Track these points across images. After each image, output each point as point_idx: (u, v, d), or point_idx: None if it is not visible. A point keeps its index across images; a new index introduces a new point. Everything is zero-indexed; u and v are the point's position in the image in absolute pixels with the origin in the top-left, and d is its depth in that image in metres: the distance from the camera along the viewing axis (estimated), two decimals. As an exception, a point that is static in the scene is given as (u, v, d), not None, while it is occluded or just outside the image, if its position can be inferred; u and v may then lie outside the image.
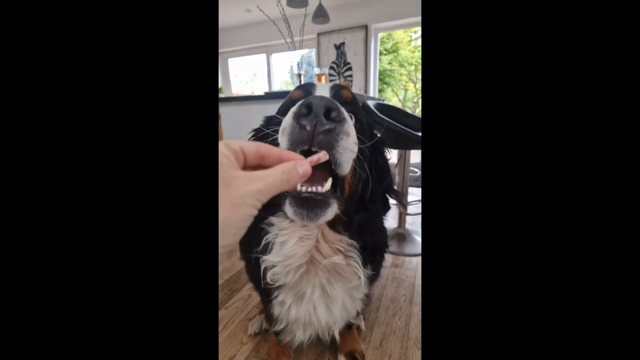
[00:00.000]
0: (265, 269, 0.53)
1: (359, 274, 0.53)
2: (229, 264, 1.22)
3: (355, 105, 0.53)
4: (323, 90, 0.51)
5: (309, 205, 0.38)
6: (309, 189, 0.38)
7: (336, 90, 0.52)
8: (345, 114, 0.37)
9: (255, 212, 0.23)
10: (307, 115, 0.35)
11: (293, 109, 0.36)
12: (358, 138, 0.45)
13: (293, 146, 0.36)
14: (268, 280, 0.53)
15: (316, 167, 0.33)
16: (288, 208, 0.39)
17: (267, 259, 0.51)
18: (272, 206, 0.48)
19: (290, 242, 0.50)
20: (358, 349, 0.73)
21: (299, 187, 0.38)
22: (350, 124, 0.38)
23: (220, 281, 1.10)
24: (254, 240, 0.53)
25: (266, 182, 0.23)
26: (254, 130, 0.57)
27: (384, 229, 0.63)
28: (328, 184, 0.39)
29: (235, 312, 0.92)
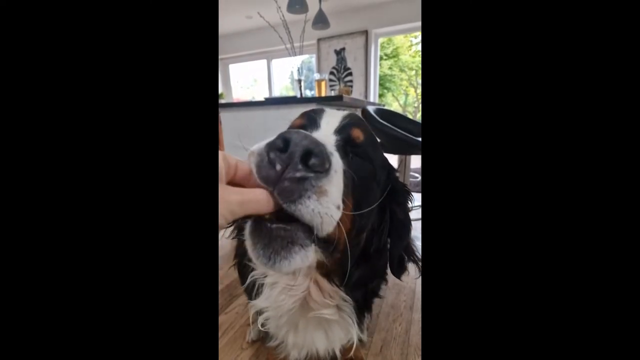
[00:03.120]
0: (255, 313, 0.48)
1: (351, 331, 0.48)
2: (230, 268, 1.21)
3: (367, 148, 0.42)
4: (333, 118, 0.42)
5: (268, 238, 0.28)
6: (274, 225, 0.28)
7: (347, 123, 0.42)
8: (334, 165, 0.28)
9: (225, 225, 0.24)
10: (281, 152, 0.26)
11: (269, 139, 0.28)
12: (369, 181, 0.38)
13: (256, 174, 0.27)
14: (259, 326, 0.48)
15: None
16: (247, 237, 0.29)
17: (256, 304, 0.46)
18: None
19: (277, 288, 0.44)
20: (358, 356, 0.72)
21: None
22: (334, 181, 0.28)
23: (221, 286, 1.09)
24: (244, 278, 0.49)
25: (242, 197, 0.24)
26: None
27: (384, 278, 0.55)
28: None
29: (236, 318, 0.91)
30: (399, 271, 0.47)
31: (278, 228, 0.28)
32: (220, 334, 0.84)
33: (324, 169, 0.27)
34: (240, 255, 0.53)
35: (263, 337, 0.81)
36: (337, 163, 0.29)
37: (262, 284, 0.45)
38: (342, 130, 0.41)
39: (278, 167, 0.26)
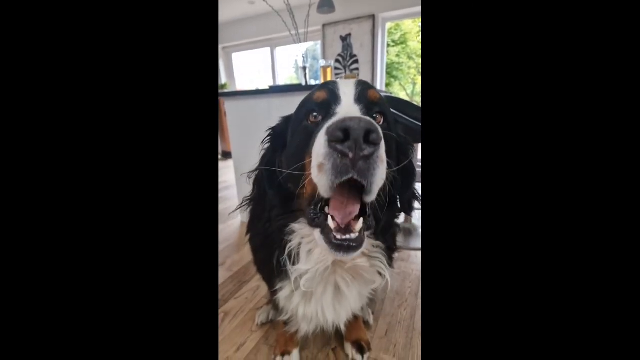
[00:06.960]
0: (297, 278, 0.52)
1: (384, 273, 0.53)
2: (239, 256, 1.24)
3: (384, 105, 0.48)
4: (347, 88, 0.47)
5: (343, 249, 0.39)
6: (343, 237, 0.38)
7: (362, 89, 0.47)
8: (381, 133, 0.34)
9: None
10: (345, 141, 0.32)
11: (324, 134, 0.33)
12: (391, 137, 0.44)
13: (335, 178, 0.33)
14: (302, 287, 0.52)
15: (347, 205, 0.36)
16: (323, 245, 0.41)
17: (299, 268, 0.50)
18: (292, 212, 0.48)
19: (317, 250, 0.50)
20: (364, 338, 0.75)
21: (330, 224, 0.37)
22: (383, 147, 0.35)
23: (230, 273, 1.13)
24: (273, 247, 0.53)
25: None
26: (270, 129, 0.56)
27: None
28: (359, 225, 0.39)
29: (245, 302, 0.95)
30: (410, 210, 0.56)
31: (350, 241, 0.38)
32: (230, 318, 0.87)
33: (380, 139, 0.32)
34: (264, 235, 0.57)
35: (271, 320, 0.84)
36: (379, 130, 0.34)
37: (298, 253, 0.51)
38: (361, 97, 0.46)
39: (350, 154, 0.32)
